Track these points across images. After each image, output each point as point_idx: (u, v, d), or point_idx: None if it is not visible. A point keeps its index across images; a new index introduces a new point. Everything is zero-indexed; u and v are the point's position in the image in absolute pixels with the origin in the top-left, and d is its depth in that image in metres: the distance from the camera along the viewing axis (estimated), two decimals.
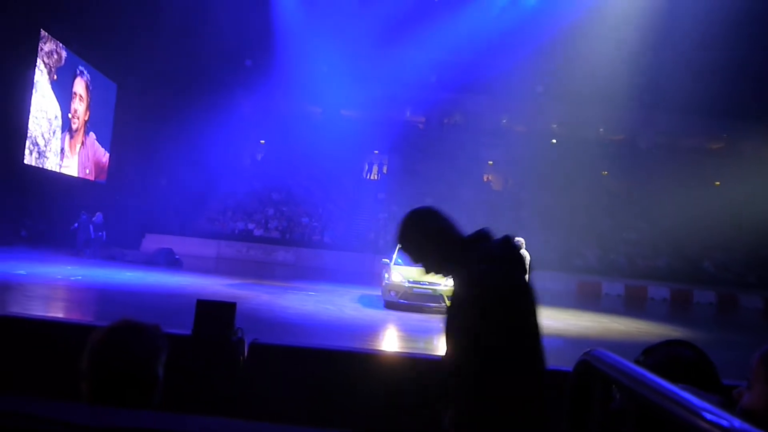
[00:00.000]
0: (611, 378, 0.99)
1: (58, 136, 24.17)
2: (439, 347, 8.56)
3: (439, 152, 34.67)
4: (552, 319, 14.98)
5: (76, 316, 10.32)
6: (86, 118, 26.66)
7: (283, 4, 29.73)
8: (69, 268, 16.10)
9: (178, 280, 16.05)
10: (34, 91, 22.14)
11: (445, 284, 13.65)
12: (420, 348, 9.81)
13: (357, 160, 35.45)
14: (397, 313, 12.86)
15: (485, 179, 37.11)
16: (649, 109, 33.86)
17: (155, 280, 15.43)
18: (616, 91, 28.49)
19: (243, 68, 32.80)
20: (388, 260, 15.01)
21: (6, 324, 3.26)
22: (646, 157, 35.15)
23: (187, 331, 3.06)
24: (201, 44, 27.78)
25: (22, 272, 13.94)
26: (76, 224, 20.48)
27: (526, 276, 2.02)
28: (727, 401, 1.32)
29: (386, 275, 14.30)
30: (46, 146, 23.31)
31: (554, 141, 36.67)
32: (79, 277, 14.54)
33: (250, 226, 29.01)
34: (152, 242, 23.87)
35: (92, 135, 27.49)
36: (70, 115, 25.21)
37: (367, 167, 36.61)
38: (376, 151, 36.53)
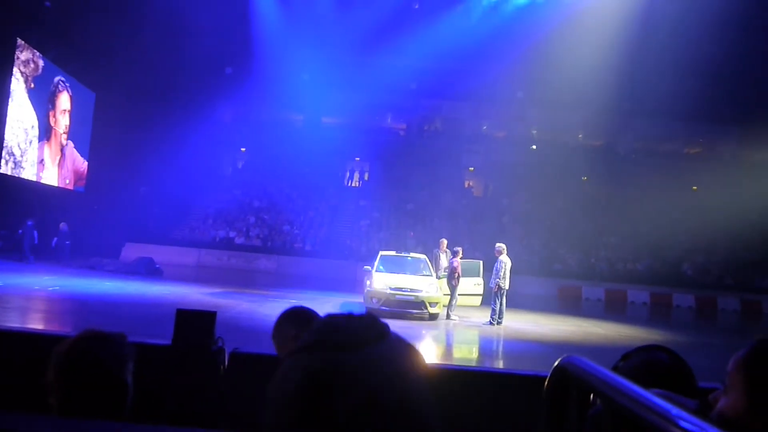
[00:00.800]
0: (587, 384, 1.00)
1: (35, 146, 23.89)
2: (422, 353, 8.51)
3: (421, 159, 34.78)
4: (533, 324, 15.07)
5: (53, 328, 10.19)
6: (67, 130, 26.52)
7: (263, 11, 29.66)
8: (46, 278, 15.90)
9: (158, 289, 15.91)
10: (10, 100, 21.88)
11: (426, 291, 13.71)
12: None
13: (338, 167, 35.47)
14: None
15: (466, 185, 37.29)
16: (628, 115, 34.26)
17: (135, 290, 15.28)
18: (595, 97, 28.75)
19: (223, 76, 32.66)
20: (370, 267, 15.03)
21: None
22: (625, 163, 35.51)
23: (167, 341, 3.04)
24: (180, 52, 27.61)
25: None
26: (20, 231, 20.49)
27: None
28: (704, 406, 1.33)
29: (368, 282, 14.31)
30: (22, 156, 23.02)
31: (534, 147, 36.94)
32: (57, 288, 14.36)
33: (231, 234, 28.85)
34: (132, 251, 23.63)
35: (70, 144, 27.22)
36: (55, 126, 25.04)
37: (348, 174, 36.64)
38: (358, 158, 36.57)
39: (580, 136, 38.12)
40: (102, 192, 28.40)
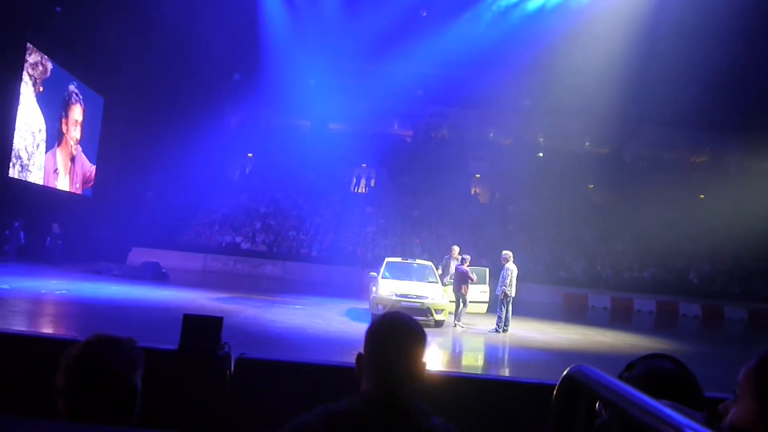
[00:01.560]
0: (596, 394, 0.99)
1: (42, 150, 24.00)
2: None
3: (427, 165, 34.80)
4: (539, 332, 15.02)
5: (60, 332, 10.22)
6: (77, 142, 26.87)
7: (271, 18, 29.79)
8: (54, 282, 15.96)
9: (164, 294, 15.93)
10: (19, 104, 22.00)
11: (432, 298, 13.69)
12: None
13: (345, 173, 35.54)
14: None
15: (472, 192, 37.27)
16: (634, 123, 34.26)
17: (141, 294, 15.31)
18: (601, 105, 28.77)
19: (231, 82, 32.81)
20: (375, 273, 15.02)
21: None
22: (632, 171, 35.46)
23: (174, 346, 3.04)
24: (189, 58, 27.77)
25: (5, 287, 13.80)
26: (7, 232, 20.82)
27: None
28: (714, 416, 1.33)
29: (374, 288, 14.29)
30: (29, 160, 23.13)
31: (541, 154, 36.95)
32: (64, 291, 14.40)
33: (238, 239, 28.89)
34: (139, 256, 23.68)
35: (78, 148, 27.34)
36: (67, 134, 25.30)
37: (354, 180, 36.67)
38: (364, 165, 36.60)
39: (587, 144, 38.11)
40: (109, 196, 28.51)
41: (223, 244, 28.45)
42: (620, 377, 1.68)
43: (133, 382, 1.62)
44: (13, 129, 21.79)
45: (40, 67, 23.29)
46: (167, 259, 23.20)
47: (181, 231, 28.31)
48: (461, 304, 14.13)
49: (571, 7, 28.30)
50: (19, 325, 9.84)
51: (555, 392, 1.12)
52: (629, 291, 27.50)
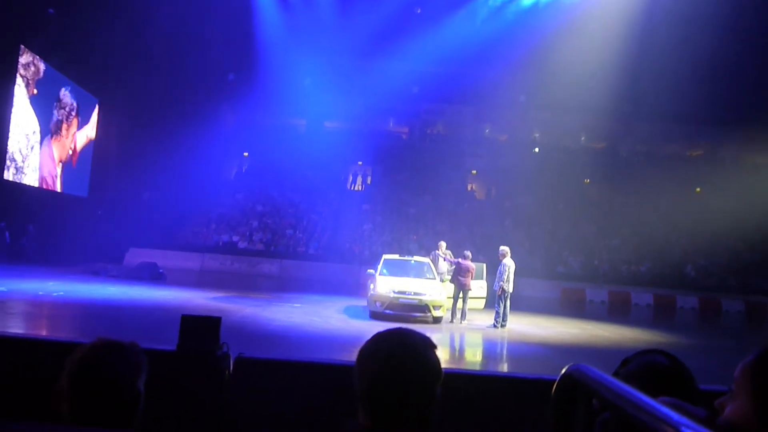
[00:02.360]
0: (595, 393, 1.00)
1: (36, 151, 23.92)
2: None
3: (423, 162, 34.80)
4: (537, 327, 15.05)
5: (59, 334, 10.20)
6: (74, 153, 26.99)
7: (266, 17, 29.74)
8: (51, 283, 15.92)
9: (162, 294, 15.91)
10: (12, 106, 21.91)
11: (430, 294, 13.71)
12: None
13: (341, 171, 35.50)
14: (384, 324, 12.69)
15: (469, 188, 37.29)
16: (630, 118, 34.26)
17: (139, 295, 15.29)
18: (597, 100, 28.77)
19: (226, 82, 32.73)
20: (373, 271, 15.02)
21: None
22: (628, 165, 35.49)
23: (172, 347, 3.04)
24: (183, 57, 27.68)
25: (2, 288, 13.77)
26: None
27: None
28: (712, 413, 1.33)
29: (372, 286, 14.31)
30: (24, 161, 23.06)
31: (537, 150, 36.95)
32: (61, 293, 14.37)
33: (235, 238, 28.87)
34: (136, 256, 23.64)
35: (73, 143, 27.26)
36: (65, 143, 25.37)
37: (351, 178, 36.65)
38: (360, 162, 36.57)
39: (583, 139, 38.14)
40: (105, 197, 28.45)
41: (220, 244, 28.43)
42: (616, 373, 1.69)
43: (136, 387, 1.63)
44: (8, 131, 21.71)
45: (32, 68, 23.17)
46: (164, 259, 23.17)
47: (178, 231, 28.25)
48: (462, 299, 14.10)
49: (565, 2, 28.32)
50: (17, 327, 9.83)
51: (553, 391, 1.13)
52: (626, 285, 27.57)
